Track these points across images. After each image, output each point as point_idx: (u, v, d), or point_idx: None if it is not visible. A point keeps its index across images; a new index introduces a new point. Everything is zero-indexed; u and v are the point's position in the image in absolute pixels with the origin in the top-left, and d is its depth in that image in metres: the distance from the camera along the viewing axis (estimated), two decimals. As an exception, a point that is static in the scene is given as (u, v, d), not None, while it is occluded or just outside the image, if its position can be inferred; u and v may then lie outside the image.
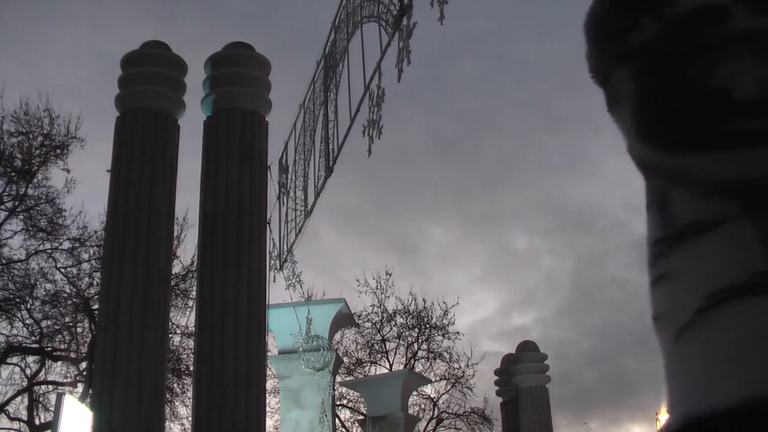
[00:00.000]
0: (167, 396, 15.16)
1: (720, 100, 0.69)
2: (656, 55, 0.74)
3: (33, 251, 16.98)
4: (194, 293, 14.33)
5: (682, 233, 0.77)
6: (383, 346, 23.55)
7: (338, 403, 21.39)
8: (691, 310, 0.74)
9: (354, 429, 22.58)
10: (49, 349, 17.47)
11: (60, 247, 17.19)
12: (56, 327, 17.36)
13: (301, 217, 11.02)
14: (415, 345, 23.70)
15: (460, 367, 23.56)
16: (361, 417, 19.47)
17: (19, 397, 17.65)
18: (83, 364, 17.39)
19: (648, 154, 0.75)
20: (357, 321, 21.17)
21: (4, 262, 16.66)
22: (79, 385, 17.10)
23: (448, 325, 23.55)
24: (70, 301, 17.43)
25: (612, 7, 0.80)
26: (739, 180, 0.73)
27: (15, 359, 17.65)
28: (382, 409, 15.59)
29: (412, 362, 23.34)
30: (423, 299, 25.17)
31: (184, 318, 18.25)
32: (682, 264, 0.77)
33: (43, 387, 17.89)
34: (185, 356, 18.22)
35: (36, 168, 16.59)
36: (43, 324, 17.19)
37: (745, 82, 0.68)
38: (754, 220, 0.72)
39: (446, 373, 23.60)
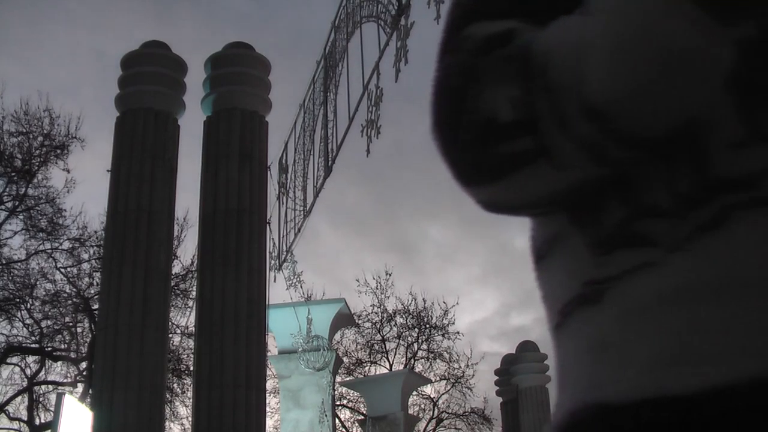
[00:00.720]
0: (167, 396, 15.16)
1: (489, 127, 0.69)
2: (444, 95, 0.74)
3: (33, 251, 17.01)
4: (194, 293, 14.33)
5: (539, 256, 0.79)
6: (383, 346, 23.54)
7: (338, 403, 21.38)
8: (553, 327, 0.76)
9: (354, 429, 22.59)
10: (49, 349, 17.48)
11: (60, 247, 17.22)
12: (56, 327, 17.38)
13: (300, 217, 11.03)
14: (415, 345, 23.69)
15: (460, 367, 23.55)
16: (361, 417, 19.47)
17: (19, 397, 17.69)
18: (83, 364, 17.40)
19: (470, 193, 0.75)
20: (357, 321, 21.16)
21: (4, 262, 16.67)
22: (79, 385, 17.11)
23: (448, 325, 23.54)
24: (70, 301, 17.44)
25: None
26: (533, 201, 0.73)
27: (15, 359, 17.68)
28: (382, 409, 15.58)
29: (412, 362, 23.32)
30: (423, 299, 25.20)
31: (184, 318, 18.28)
32: (543, 285, 0.79)
33: (43, 387, 17.91)
34: (185, 356, 18.23)
35: (36, 168, 16.60)
36: (43, 324, 17.22)
37: (503, 105, 0.68)
38: (580, 228, 0.72)
39: (446, 373, 23.58)
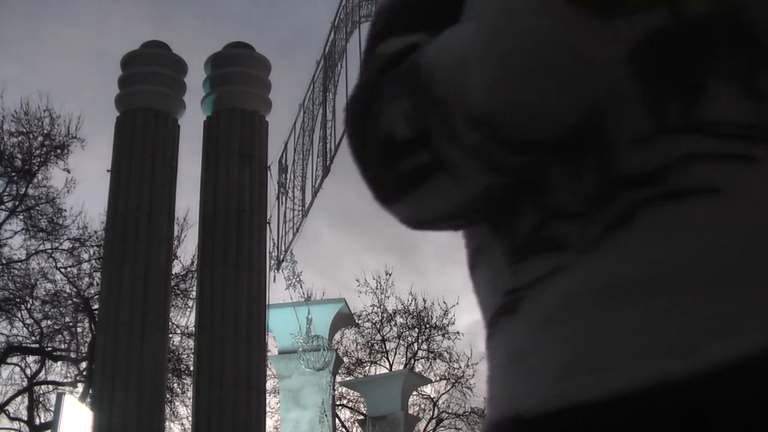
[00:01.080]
0: (167, 396, 15.16)
1: (388, 145, 0.68)
2: (352, 116, 0.73)
3: (33, 251, 17.01)
4: (194, 293, 14.34)
5: (470, 267, 0.78)
6: (383, 346, 23.51)
7: (338, 403, 21.37)
8: (485, 339, 0.75)
9: (354, 429, 22.59)
10: (49, 349, 17.48)
11: (60, 247, 17.21)
12: (56, 327, 17.38)
13: (299, 217, 11.05)
14: (415, 345, 23.67)
15: (460, 367, 23.53)
16: (361, 417, 19.47)
17: (19, 397, 17.68)
18: (83, 364, 17.40)
19: (388, 212, 0.73)
20: (357, 321, 21.15)
21: (4, 262, 16.67)
22: (79, 385, 17.12)
23: (448, 325, 23.52)
24: (70, 301, 17.44)
25: None
26: (442, 214, 0.71)
27: (15, 359, 17.67)
28: (382, 409, 15.57)
29: (412, 362, 23.30)
30: (423, 299, 25.17)
31: (184, 318, 18.28)
32: (477, 297, 0.77)
33: (43, 387, 17.91)
34: (185, 356, 18.23)
35: (36, 168, 16.61)
36: (43, 324, 17.22)
37: (398, 122, 0.66)
38: (498, 237, 0.71)
39: (446, 373, 23.56)
